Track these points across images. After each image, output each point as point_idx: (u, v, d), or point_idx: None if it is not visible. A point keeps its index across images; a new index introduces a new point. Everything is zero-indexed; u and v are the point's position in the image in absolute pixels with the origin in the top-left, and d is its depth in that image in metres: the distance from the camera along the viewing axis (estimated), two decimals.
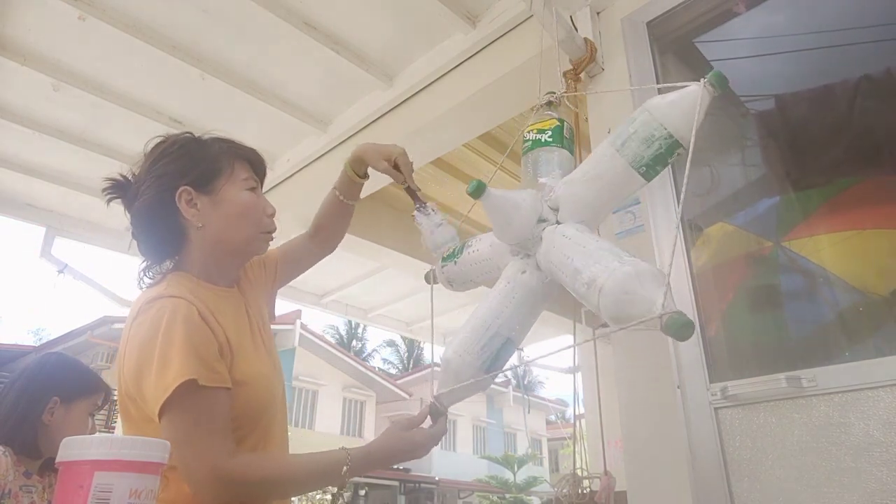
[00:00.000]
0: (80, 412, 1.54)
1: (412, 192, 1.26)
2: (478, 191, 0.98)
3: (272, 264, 1.31)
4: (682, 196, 0.90)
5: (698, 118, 0.89)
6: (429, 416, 1.06)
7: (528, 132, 1.18)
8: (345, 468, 0.94)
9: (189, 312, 0.95)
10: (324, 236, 1.39)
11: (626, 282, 0.82)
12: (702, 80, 0.91)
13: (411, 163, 1.27)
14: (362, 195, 1.40)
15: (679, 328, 0.76)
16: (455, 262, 1.22)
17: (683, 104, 0.92)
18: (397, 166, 1.25)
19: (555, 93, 1.25)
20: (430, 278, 1.29)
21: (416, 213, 1.25)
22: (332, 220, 1.38)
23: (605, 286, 0.83)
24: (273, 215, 1.15)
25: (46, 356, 1.64)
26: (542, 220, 1.04)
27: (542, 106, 1.22)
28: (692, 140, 0.89)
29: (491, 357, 1.03)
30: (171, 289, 0.99)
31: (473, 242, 1.22)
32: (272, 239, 1.16)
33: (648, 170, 0.95)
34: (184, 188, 1.05)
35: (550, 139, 1.14)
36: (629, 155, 0.95)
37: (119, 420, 1.15)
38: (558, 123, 1.16)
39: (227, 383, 0.95)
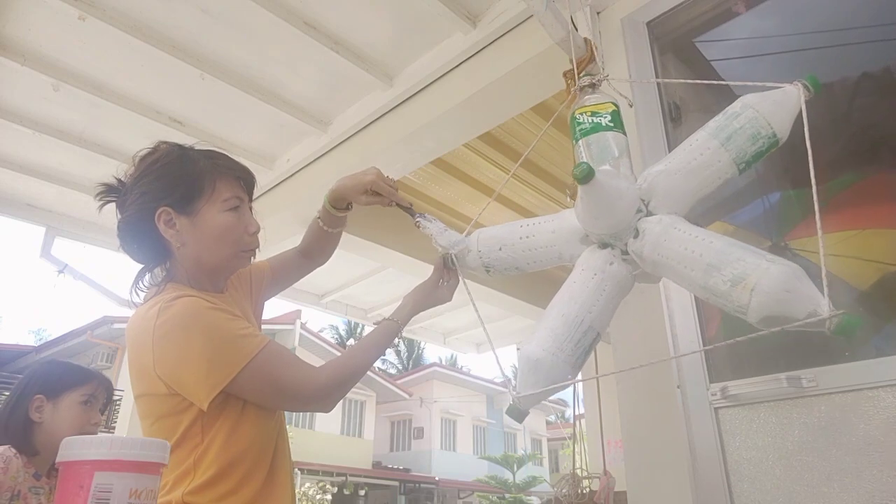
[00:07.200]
0: (70, 405, 1.55)
1: (403, 207, 1.26)
2: (588, 175, 0.89)
3: (259, 276, 1.31)
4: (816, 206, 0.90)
5: (805, 119, 0.90)
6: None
7: (581, 114, 1.13)
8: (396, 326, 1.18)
9: (210, 305, 1.00)
10: (312, 256, 1.41)
11: (786, 280, 0.80)
12: (797, 82, 0.94)
13: (391, 178, 1.27)
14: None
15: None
16: (500, 249, 1.16)
17: (787, 105, 0.93)
18: (377, 192, 1.25)
19: (594, 76, 1.21)
20: (449, 261, 1.23)
21: (418, 221, 1.24)
22: (318, 245, 1.39)
23: (759, 284, 0.81)
24: (256, 232, 1.13)
25: (35, 364, 1.68)
26: (638, 211, 1.00)
27: (583, 87, 1.18)
28: (809, 145, 0.88)
29: (584, 352, 0.98)
30: (178, 292, 1.00)
31: (523, 228, 1.15)
32: (254, 255, 1.16)
33: (746, 166, 0.97)
34: (163, 209, 1.04)
35: (611, 123, 1.11)
36: (734, 150, 0.96)
37: (119, 420, 1.16)
38: (615, 108, 1.13)
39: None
